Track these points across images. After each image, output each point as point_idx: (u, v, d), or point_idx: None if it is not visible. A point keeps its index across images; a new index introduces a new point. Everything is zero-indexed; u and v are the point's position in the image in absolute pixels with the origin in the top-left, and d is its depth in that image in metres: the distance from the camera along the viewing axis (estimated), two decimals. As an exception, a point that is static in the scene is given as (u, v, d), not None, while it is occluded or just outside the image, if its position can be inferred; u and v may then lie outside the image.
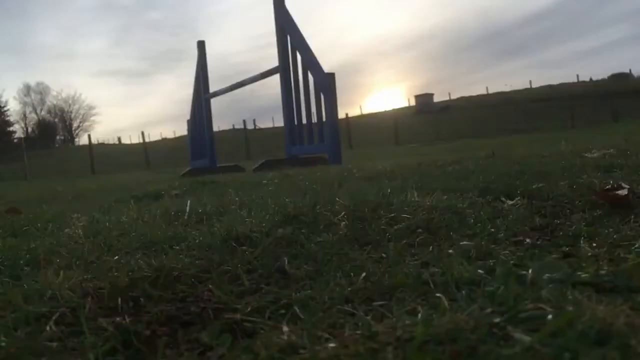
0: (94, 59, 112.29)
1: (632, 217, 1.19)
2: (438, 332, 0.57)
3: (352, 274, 0.92)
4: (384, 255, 1.03)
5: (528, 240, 1.08)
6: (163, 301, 0.85)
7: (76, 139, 61.36)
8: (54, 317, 0.76)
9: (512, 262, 0.90)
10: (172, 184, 3.57)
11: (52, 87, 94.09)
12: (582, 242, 1.03)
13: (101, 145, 45.08)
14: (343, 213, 1.36)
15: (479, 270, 0.85)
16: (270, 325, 0.71)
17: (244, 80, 7.31)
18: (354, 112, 47.10)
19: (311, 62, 5.92)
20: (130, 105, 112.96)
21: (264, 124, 46.20)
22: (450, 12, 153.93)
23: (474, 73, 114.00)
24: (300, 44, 6.08)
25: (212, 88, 8.45)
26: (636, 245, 0.96)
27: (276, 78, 6.52)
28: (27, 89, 61.16)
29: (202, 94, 8.47)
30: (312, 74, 5.95)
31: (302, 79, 6.19)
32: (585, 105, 25.96)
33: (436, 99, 44.27)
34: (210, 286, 0.90)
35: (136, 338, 0.70)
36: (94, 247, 1.23)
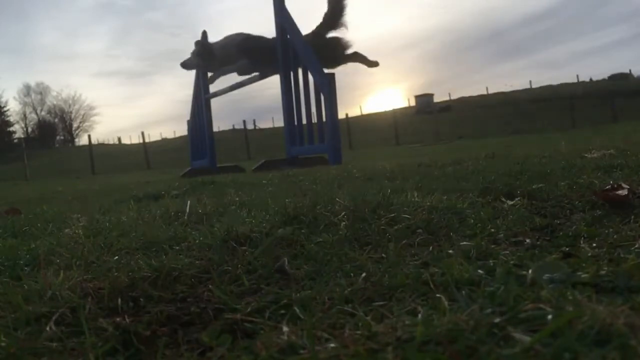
0: (94, 59, 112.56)
1: (632, 217, 1.19)
2: (438, 332, 0.57)
3: (352, 274, 0.92)
4: (384, 255, 1.03)
5: (528, 240, 1.08)
6: (163, 301, 0.85)
7: (76, 140, 61.29)
8: (54, 318, 0.76)
9: (512, 262, 0.91)
10: (172, 184, 3.57)
11: (52, 87, 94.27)
12: (582, 242, 1.03)
13: (101, 145, 45.01)
14: (343, 213, 1.36)
15: (479, 271, 0.85)
16: (270, 325, 0.71)
17: (244, 81, 7.30)
18: (354, 112, 47.02)
19: (311, 62, 5.92)
20: (130, 105, 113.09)
21: (264, 124, 46.21)
22: (451, 12, 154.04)
23: (474, 73, 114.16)
24: (301, 44, 6.08)
25: (212, 88, 8.45)
26: (636, 246, 0.96)
27: (276, 78, 6.52)
28: (27, 89, 61.11)
29: (202, 94, 8.47)
30: (312, 74, 5.94)
31: (302, 79, 6.19)
32: (585, 106, 25.92)
33: (436, 99, 44.16)
34: (210, 286, 0.90)
35: (136, 338, 0.70)
36: (94, 247, 1.23)
